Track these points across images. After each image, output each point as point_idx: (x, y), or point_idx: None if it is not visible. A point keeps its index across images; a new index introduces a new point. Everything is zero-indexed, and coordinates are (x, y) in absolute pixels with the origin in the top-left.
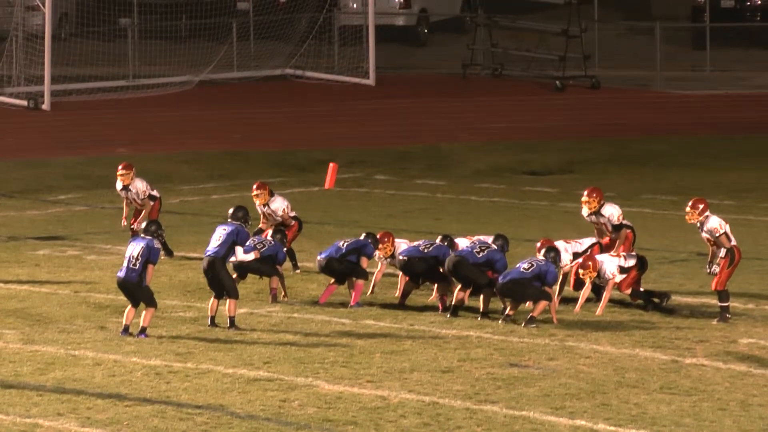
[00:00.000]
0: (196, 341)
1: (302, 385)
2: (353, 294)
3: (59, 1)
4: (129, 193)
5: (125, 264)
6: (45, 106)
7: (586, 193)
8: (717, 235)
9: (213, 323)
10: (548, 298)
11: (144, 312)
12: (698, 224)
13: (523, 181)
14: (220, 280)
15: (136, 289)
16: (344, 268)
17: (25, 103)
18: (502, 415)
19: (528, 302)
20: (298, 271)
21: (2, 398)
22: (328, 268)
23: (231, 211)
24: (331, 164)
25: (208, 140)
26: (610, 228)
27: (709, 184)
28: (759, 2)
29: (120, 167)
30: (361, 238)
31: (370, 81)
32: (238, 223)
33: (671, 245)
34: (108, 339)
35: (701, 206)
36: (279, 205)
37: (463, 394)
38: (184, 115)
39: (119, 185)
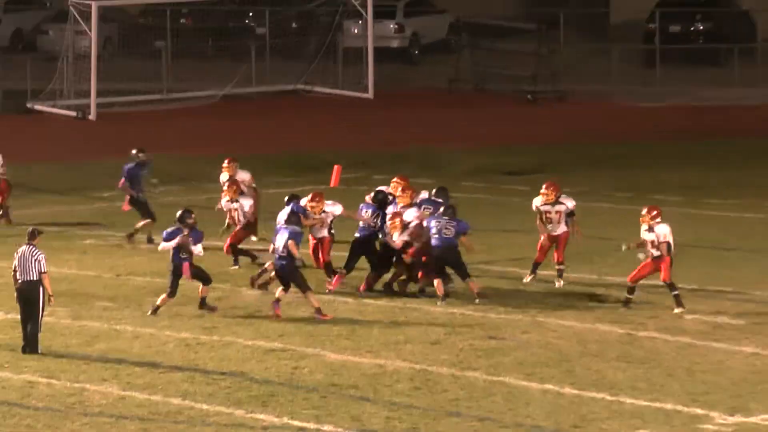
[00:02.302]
0: (220, 317)
1: (311, 355)
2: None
3: (104, 26)
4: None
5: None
6: (91, 117)
7: (544, 186)
8: (661, 240)
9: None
10: (468, 274)
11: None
12: (647, 227)
13: (501, 180)
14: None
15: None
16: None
17: (74, 113)
18: (482, 380)
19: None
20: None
21: (55, 366)
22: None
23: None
24: (336, 166)
25: (231, 145)
26: (561, 217)
27: (660, 183)
28: (701, 27)
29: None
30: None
31: (369, 95)
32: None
33: (627, 236)
34: (145, 315)
35: (654, 212)
36: (245, 175)
37: (449, 363)
38: (210, 124)
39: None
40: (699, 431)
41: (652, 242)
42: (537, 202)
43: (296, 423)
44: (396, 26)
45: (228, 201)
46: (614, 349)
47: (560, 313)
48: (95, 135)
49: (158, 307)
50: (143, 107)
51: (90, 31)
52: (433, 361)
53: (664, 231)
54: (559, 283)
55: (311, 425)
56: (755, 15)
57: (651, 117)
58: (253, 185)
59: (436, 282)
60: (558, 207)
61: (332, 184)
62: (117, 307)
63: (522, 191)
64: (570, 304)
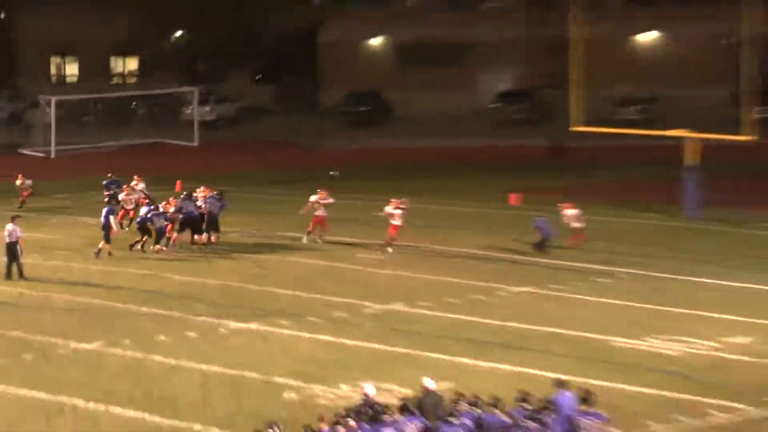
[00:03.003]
0: (122, 259)
1: (166, 277)
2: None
3: (57, 109)
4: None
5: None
6: (53, 156)
7: (319, 189)
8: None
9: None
10: (217, 231)
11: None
12: (394, 206)
13: (270, 187)
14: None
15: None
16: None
17: (42, 155)
18: (251, 290)
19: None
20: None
21: (33, 284)
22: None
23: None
24: (178, 181)
25: (127, 172)
26: (323, 207)
27: (346, 188)
28: (370, 108)
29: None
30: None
31: (196, 143)
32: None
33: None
34: (87, 258)
35: (399, 200)
36: (143, 185)
37: (239, 280)
38: (116, 161)
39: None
40: (362, 315)
41: (393, 215)
42: (312, 198)
43: (144, 309)
44: (209, 108)
45: (126, 195)
46: (333, 274)
47: (298, 254)
48: (54, 166)
49: (99, 250)
50: (81, 151)
51: (50, 112)
52: (230, 279)
53: (391, 209)
54: (321, 241)
55: (147, 309)
56: (393, 102)
57: (330, 158)
58: (146, 192)
59: (196, 236)
60: (325, 201)
61: (177, 189)
62: (70, 254)
63: (282, 193)
64: (301, 249)
